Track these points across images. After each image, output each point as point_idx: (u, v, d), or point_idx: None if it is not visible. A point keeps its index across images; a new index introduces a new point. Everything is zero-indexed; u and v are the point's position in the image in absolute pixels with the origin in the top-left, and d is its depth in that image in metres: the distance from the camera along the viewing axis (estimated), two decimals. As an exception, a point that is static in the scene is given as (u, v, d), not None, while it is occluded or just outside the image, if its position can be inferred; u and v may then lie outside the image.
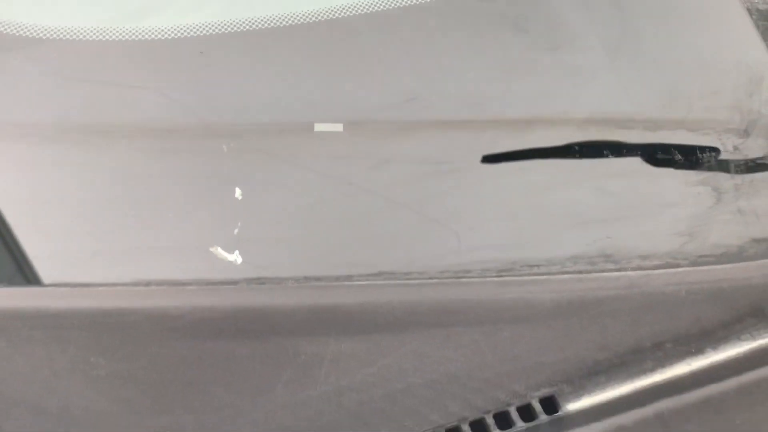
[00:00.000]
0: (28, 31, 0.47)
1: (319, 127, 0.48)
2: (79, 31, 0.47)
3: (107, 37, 0.48)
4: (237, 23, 0.49)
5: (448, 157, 0.49)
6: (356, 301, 0.43)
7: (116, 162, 0.45)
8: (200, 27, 0.49)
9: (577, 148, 0.51)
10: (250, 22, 0.50)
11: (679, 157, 0.53)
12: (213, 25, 0.49)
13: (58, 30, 0.47)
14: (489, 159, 0.50)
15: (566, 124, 0.52)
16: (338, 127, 0.49)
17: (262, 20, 0.50)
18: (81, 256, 0.43)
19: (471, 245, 0.47)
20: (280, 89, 0.49)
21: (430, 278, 0.45)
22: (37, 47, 0.47)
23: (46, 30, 0.47)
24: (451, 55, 0.52)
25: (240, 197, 0.46)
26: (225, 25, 0.49)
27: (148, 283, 0.42)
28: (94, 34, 0.48)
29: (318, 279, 0.44)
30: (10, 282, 0.41)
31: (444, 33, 0.53)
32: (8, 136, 0.45)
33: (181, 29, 0.48)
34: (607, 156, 0.51)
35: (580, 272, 0.47)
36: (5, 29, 0.47)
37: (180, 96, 0.47)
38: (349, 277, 0.44)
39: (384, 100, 0.50)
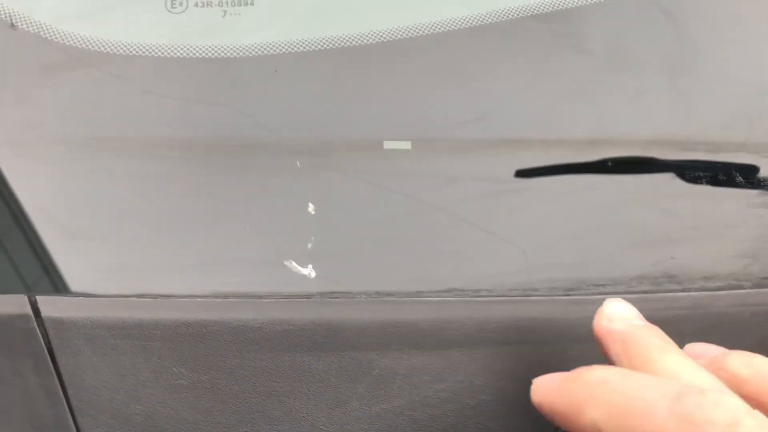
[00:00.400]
0: (110, 47, 0.49)
1: (388, 144, 0.49)
2: (159, 48, 0.49)
3: (186, 54, 0.49)
4: (309, 42, 0.51)
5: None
6: (427, 317, 0.44)
7: (195, 176, 0.46)
8: (274, 45, 0.50)
9: (610, 164, 0.52)
10: (322, 41, 0.51)
11: (740, 178, 0.53)
12: (286, 44, 0.50)
13: (139, 46, 0.49)
14: (523, 173, 0.51)
15: (630, 145, 0.52)
16: (407, 145, 0.50)
17: (333, 40, 0.51)
18: (163, 268, 0.44)
19: (538, 264, 0.48)
20: (351, 107, 0.50)
21: (499, 296, 0.46)
22: (119, 63, 0.49)
23: (127, 46, 0.49)
24: (515, 75, 0.53)
25: (313, 212, 0.47)
26: (297, 44, 0.50)
27: (226, 296, 0.43)
28: (174, 50, 0.49)
29: (389, 294, 0.45)
30: (98, 292, 0.42)
31: (508, 53, 0.54)
32: (92, 150, 0.46)
33: (257, 48, 0.50)
34: (642, 172, 0.52)
35: (645, 292, 0.48)
36: (87, 45, 0.49)
37: (256, 113, 0.48)
38: (419, 293, 0.45)
39: (451, 118, 0.51)
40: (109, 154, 0.46)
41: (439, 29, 0.53)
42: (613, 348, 0.35)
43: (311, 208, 0.47)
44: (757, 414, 0.27)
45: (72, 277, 0.43)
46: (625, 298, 0.48)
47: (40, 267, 0.43)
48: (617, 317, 0.36)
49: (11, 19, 0.48)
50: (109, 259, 0.44)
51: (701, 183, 0.52)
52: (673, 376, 0.31)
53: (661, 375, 0.31)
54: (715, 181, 0.52)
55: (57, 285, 0.42)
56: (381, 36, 0.52)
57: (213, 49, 0.49)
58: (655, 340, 0.34)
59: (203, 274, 0.44)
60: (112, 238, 0.44)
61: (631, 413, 0.28)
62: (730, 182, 0.53)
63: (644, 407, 0.28)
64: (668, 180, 0.51)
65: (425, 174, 0.49)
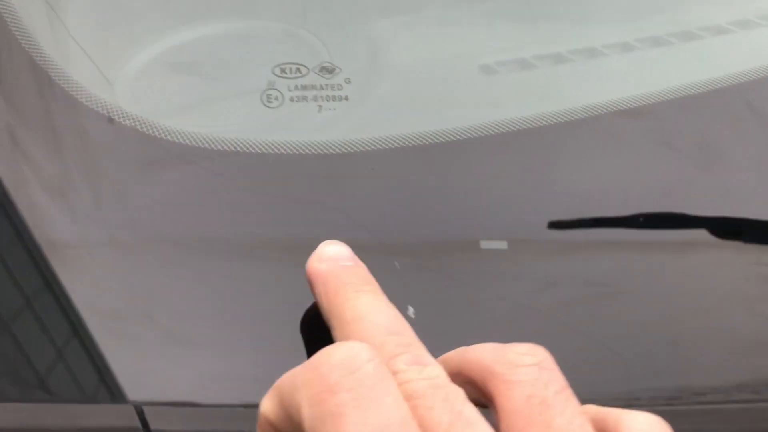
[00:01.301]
0: (208, 142, 0.49)
1: (484, 244, 0.49)
2: (256, 144, 0.49)
3: (282, 150, 0.49)
4: (404, 138, 0.50)
5: (612, 280, 0.49)
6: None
7: (296, 279, 0.46)
8: (370, 142, 0.50)
9: (641, 219, 0.51)
10: (417, 137, 0.51)
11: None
12: (382, 140, 0.50)
13: (236, 142, 0.49)
14: (555, 225, 0.50)
15: (721, 246, 0.52)
16: (503, 245, 0.49)
17: (428, 135, 0.51)
18: (269, 376, 0.43)
19: (639, 372, 0.47)
20: (448, 205, 0.50)
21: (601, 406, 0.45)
22: (216, 159, 0.48)
23: (224, 142, 0.49)
24: (607, 173, 0.53)
25: (413, 315, 0.46)
26: (393, 140, 0.50)
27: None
28: (270, 147, 0.49)
29: (492, 404, 0.44)
30: (204, 401, 0.41)
31: (598, 151, 0.54)
32: (192, 251, 0.46)
33: (353, 144, 0.50)
34: (672, 227, 0.51)
35: (747, 402, 0.47)
36: (185, 140, 0.48)
37: (355, 213, 0.48)
38: (523, 403, 0.44)
39: (546, 218, 0.50)
40: (208, 255, 0.46)
41: (531, 125, 0.53)
42: (317, 289, 0.33)
43: (411, 311, 0.46)
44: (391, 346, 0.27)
45: (177, 385, 0.42)
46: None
47: (145, 374, 0.42)
48: (327, 257, 0.34)
49: (109, 113, 0.48)
50: (214, 366, 0.43)
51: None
52: (361, 317, 0.30)
53: (350, 314, 0.30)
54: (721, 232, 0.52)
55: (162, 393, 0.42)
56: (474, 132, 0.52)
57: (309, 146, 0.49)
58: (354, 279, 0.32)
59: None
60: (216, 344, 0.43)
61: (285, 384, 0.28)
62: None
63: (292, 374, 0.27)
64: (765, 283, 0.51)
65: (523, 276, 0.48)
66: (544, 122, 0.53)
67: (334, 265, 0.33)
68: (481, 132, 0.52)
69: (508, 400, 0.28)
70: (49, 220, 0.45)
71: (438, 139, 0.51)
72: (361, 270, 0.34)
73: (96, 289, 0.44)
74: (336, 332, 0.30)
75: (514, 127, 0.52)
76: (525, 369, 0.29)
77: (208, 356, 0.43)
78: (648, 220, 0.51)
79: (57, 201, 0.45)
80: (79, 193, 0.46)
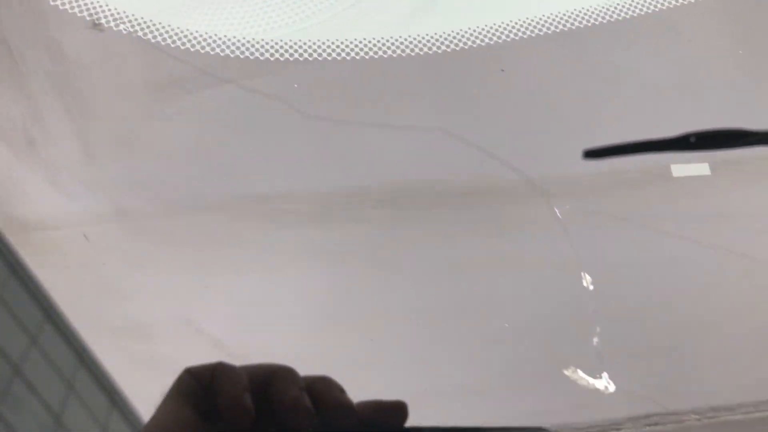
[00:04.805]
0: (248, 48, 0.32)
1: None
2: (323, 46, 0.32)
3: (363, 53, 0.32)
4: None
5: None
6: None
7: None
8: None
9: (693, 139, 0.36)
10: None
11: None
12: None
13: (292, 45, 0.32)
14: (591, 154, 0.36)
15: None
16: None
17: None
18: None
19: None
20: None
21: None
22: (264, 75, 0.31)
23: (271, 45, 0.32)
24: None
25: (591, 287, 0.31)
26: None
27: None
28: (343, 49, 0.32)
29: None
30: None
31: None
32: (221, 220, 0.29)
33: (470, 35, 0.33)
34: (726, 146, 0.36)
35: None
36: (211, 48, 0.31)
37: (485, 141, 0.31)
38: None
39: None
40: (260, 224, 0.29)
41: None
42: None
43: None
44: None
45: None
46: None
47: None
48: None
49: (94, 16, 0.31)
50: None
51: None
52: None
53: None
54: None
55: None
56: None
57: (400, 44, 0.32)
58: None
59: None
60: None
61: None
62: None
63: None
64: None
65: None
66: None
67: None
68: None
69: None
70: (18, 192, 0.28)
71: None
72: None
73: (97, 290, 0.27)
74: None
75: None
76: None
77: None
78: (700, 141, 0.36)
79: (26, 161, 0.29)
80: (60, 147, 0.29)
